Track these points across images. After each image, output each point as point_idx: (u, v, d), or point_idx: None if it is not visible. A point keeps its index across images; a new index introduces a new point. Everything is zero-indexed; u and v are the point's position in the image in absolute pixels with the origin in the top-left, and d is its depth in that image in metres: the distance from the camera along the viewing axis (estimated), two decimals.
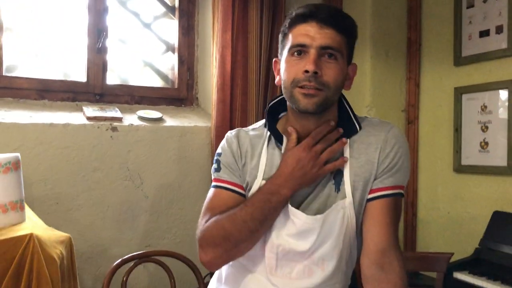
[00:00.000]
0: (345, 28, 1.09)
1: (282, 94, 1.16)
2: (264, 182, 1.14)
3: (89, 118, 2.21)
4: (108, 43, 2.43)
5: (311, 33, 1.06)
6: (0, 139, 1.99)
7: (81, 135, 2.15)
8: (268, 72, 2.48)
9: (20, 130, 2.03)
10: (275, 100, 1.22)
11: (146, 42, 2.59)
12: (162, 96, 2.59)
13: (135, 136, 2.26)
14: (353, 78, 1.18)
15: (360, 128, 1.14)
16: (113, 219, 2.22)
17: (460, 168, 2.40)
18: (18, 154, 1.34)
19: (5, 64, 2.23)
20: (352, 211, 1.11)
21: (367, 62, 2.59)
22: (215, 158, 1.23)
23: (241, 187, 1.18)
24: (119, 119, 2.28)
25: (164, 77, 2.65)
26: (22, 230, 1.20)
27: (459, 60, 2.43)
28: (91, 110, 2.27)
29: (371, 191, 1.12)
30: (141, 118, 2.35)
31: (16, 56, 2.28)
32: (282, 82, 1.12)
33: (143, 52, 2.58)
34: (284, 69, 1.10)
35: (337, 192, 1.13)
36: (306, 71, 1.04)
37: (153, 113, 2.40)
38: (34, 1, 2.30)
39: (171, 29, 2.64)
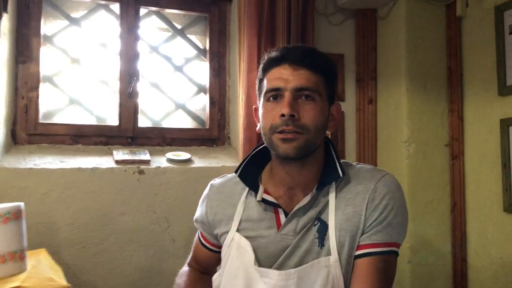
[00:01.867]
0: (320, 67, 1.03)
1: None
2: (237, 234, 1.07)
3: (117, 162, 2.25)
4: (140, 87, 2.48)
5: (285, 76, 1.02)
6: (30, 185, 2.05)
7: (108, 179, 2.18)
8: None
9: (49, 175, 2.09)
10: (261, 147, 1.16)
11: (178, 85, 2.63)
12: (194, 137, 2.60)
13: (161, 178, 2.26)
14: (339, 119, 1.10)
15: (344, 174, 1.04)
16: (140, 263, 2.20)
17: (510, 208, 2.17)
18: (20, 204, 1.36)
19: (42, 112, 2.33)
20: (338, 270, 1.00)
21: (404, 96, 2.46)
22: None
23: (209, 242, 1.21)
24: (147, 162, 2.29)
25: (196, 118, 2.66)
26: (11, 282, 1.19)
27: (504, 90, 2.23)
28: (121, 154, 2.31)
29: (358, 247, 1.01)
30: (170, 160, 2.35)
31: (52, 103, 2.38)
32: (261, 129, 1.07)
33: (175, 95, 2.61)
34: (262, 115, 1.06)
35: (321, 248, 1.02)
36: (282, 115, 0.99)
37: (183, 155, 2.40)
38: (70, 51, 2.41)
39: (202, 71, 2.67)
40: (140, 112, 2.49)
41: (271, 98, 1.04)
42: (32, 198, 2.05)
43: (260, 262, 1.05)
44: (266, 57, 1.08)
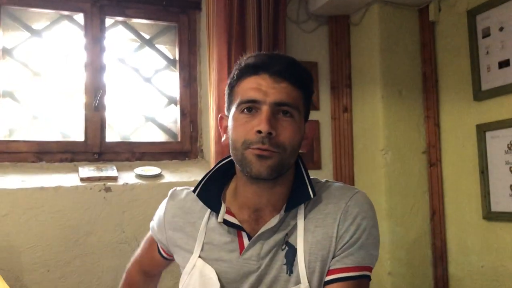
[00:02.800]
0: (301, 81, 0.95)
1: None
2: (200, 260, 0.98)
3: (82, 179, 2.14)
4: (107, 100, 2.39)
5: (264, 87, 0.92)
6: None
7: (73, 198, 2.07)
8: None
9: (10, 195, 1.98)
10: (225, 161, 1.07)
11: (147, 97, 2.53)
12: (165, 150, 2.50)
13: (129, 195, 2.16)
14: (312, 138, 1.03)
15: (315, 194, 0.96)
16: (108, 285, 2.09)
17: (490, 216, 2.12)
18: None
19: (2, 128, 2.22)
20: None
21: (379, 103, 2.41)
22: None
23: (164, 251, 1.16)
24: (114, 178, 2.19)
25: (167, 131, 2.56)
26: None
27: (479, 94, 2.20)
28: (87, 170, 2.20)
29: (329, 272, 0.93)
30: (138, 176, 2.25)
31: (13, 120, 2.26)
32: (230, 142, 0.96)
33: (145, 107, 2.52)
34: (233, 127, 0.95)
35: (289, 275, 0.94)
36: (259, 132, 0.89)
37: (152, 170, 2.30)
38: (32, 64, 2.30)
39: (172, 81, 2.58)
40: (107, 126, 2.39)
41: (245, 109, 0.93)
42: None
43: None
44: (242, 63, 0.98)
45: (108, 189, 2.13)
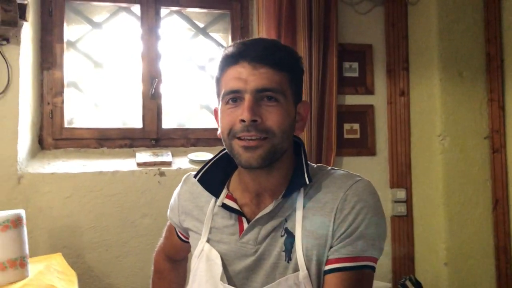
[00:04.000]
0: (283, 63, 0.93)
1: None
2: (207, 245, 1.01)
3: (138, 164, 2.25)
4: (163, 88, 2.48)
5: (244, 76, 0.91)
6: (54, 189, 2.09)
7: (129, 182, 2.18)
8: (322, 108, 2.33)
9: (72, 179, 2.12)
10: None
11: (201, 84, 2.59)
12: (218, 136, 2.55)
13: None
14: (307, 118, 1.00)
15: (310, 180, 0.94)
16: None
17: None
18: (20, 211, 1.37)
19: (67, 117, 2.37)
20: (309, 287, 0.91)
21: (436, 86, 2.29)
22: None
23: (181, 233, 1.19)
24: (169, 164, 2.27)
25: None
26: None
27: None
28: (143, 156, 2.31)
29: (328, 262, 0.91)
30: (191, 161, 2.33)
31: (77, 108, 2.42)
32: (221, 134, 0.98)
33: (199, 94, 2.58)
34: (220, 119, 0.96)
35: (288, 262, 0.93)
36: (243, 120, 0.89)
37: (205, 155, 2.37)
38: (93, 55, 2.43)
39: None
40: (164, 113, 2.49)
41: (230, 100, 0.94)
42: (55, 202, 2.09)
43: (228, 274, 0.98)
44: (223, 53, 0.98)
45: (162, 174, 2.22)
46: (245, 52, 0.93)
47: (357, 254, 0.90)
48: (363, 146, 2.51)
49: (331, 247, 0.91)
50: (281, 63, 0.93)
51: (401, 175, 2.51)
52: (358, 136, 2.51)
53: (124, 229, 2.16)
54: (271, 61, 0.92)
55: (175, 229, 1.20)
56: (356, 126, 2.51)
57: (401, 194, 2.50)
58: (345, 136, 2.49)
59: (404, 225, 2.49)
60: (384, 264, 2.50)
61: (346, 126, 2.50)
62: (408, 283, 2.05)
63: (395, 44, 2.53)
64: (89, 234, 2.12)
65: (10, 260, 1.30)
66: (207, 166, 1.04)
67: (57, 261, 1.68)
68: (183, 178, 1.17)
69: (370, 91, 2.53)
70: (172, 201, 1.19)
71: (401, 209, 2.50)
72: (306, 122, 1.00)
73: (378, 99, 2.54)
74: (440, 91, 2.27)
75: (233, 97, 0.93)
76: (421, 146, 2.42)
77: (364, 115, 2.52)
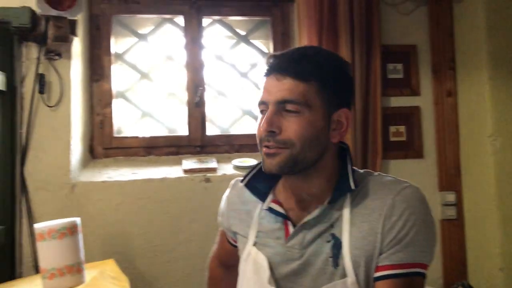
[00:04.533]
0: (309, 73, 0.93)
1: None
2: (254, 248, 1.02)
3: (185, 171, 2.29)
4: (207, 96, 2.52)
5: (269, 87, 0.95)
6: (105, 197, 2.17)
7: (177, 188, 2.23)
8: (366, 111, 2.30)
9: (122, 187, 2.19)
10: None
11: (244, 91, 2.62)
12: None
13: (227, 185, 2.25)
14: (347, 125, 0.98)
15: (356, 186, 0.94)
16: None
17: None
18: (75, 219, 1.43)
19: (116, 126, 2.46)
20: None
21: (485, 85, 2.22)
22: None
23: (232, 238, 1.20)
24: (214, 170, 2.31)
25: None
26: None
27: None
28: (189, 163, 2.35)
29: (377, 269, 0.90)
30: (235, 167, 2.35)
31: (125, 117, 2.50)
32: None
33: (242, 101, 2.61)
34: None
35: (335, 268, 0.93)
36: (264, 131, 0.94)
37: (249, 161, 2.39)
38: (140, 66, 2.51)
39: None
40: (208, 121, 2.53)
41: (262, 111, 0.99)
42: (106, 210, 2.16)
43: (275, 277, 0.99)
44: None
45: (208, 180, 2.26)
46: (274, 63, 0.96)
47: (407, 261, 0.88)
48: (410, 149, 2.46)
49: (380, 254, 0.90)
50: (305, 73, 0.93)
51: (450, 178, 2.44)
52: (404, 138, 2.46)
53: (173, 234, 2.21)
54: (294, 72, 0.93)
55: (226, 234, 1.22)
56: (402, 128, 2.46)
57: (451, 197, 2.42)
58: (391, 139, 2.45)
59: (454, 229, 2.42)
60: (434, 270, 2.43)
61: (392, 128, 2.45)
62: None
63: (441, 44, 2.47)
64: (139, 240, 2.18)
65: (67, 266, 1.35)
66: (253, 171, 1.06)
67: (110, 267, 1.74)
68: (231, 183, 1.20)
69: (415, 92, 2.48)
70: (221, 206, 1.22)
71: (451, 212, 2.42)
72: (346, 129, 0.98)
73: (424, 100, 2.49)
74: (490, 90, 2.20)
75: (262, 108, 0.98)
76: (470, 147, 2.35)
77: (410, 117, 2.47)
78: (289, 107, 0.93)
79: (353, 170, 0.99)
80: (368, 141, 2.31)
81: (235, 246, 1.20)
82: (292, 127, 0.92)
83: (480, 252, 2.31)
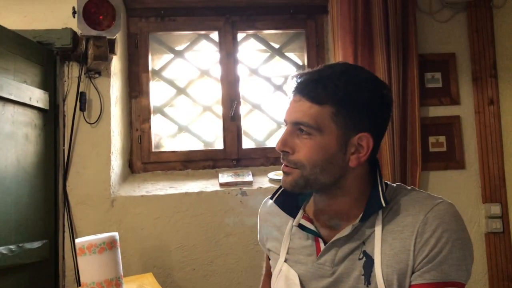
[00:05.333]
0: (324, 96, 0.91)
1: None
2: (285, 265, 1.01)
3: (221, 185, 2.31)
4: (242, 109, 2.54)
5: (289, 107, 0.96)
6: (144, 210, 2.21)
7: (213, 202, 2.24)
8: (404, 119, 2.25)
9: (160, 200, 2.22)
10: None
11: (278, 104, 2.63)
12: None
13: (263, 198, 2.24)
14: (367, 151, 0.94)
15: (386, 203, 0.92)
16: (248, 284, 2.22)
17: None
18: (114, 234, 1.45)
19: (154, 141, 2.51)
20: None
21: None
22: None
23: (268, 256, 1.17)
24: (250, 183, 2.31)
25: None
26: None
27: None
28: (226, 176, 2.37)
29: (411, 287, 0.87)
30: (271, 180, 2.35)
31: (163, 132, 2.55)
32: None
33: (277, 114, 2.61)
34: None
35: (367, 286, 0.90)
36: None
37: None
38: (177, 81, 2.56)
39: None
40: (243, 134, 2.54)
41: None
42: (145, 223, 2.20)
43: None
44: None
45: (244, 193, 2.27)
46: (294, 84, 0.96)
47: (442, 280, 0.86)
48: (451, 160, 2.38)
49: (413, 272, 0.88)
50: (320, 97, 0.91)
51: (494, 189, 2.35)
52: (444, 149, 2.39)
53: (210, 248, 2.22)
54: (309, 95, 0.92)
55: (267, 256, 1.21)
56: (442, 138, 2.40)
57: (496, 209, 2.33)
58: (431, 149, 2.39)
59: (500, 242, 2.32)
60: (480, 285, 2.33)
61: (431, 139, 2.39)
62: None
63: (481, 51, 2.40)
64: (177, 253, 2.20)
65: (106, 281, 1.38)
66: (282, 189, 1.05)
67: (149, 280, 1.77)
68: (263, 202, 1.20)
69: (455, 101, 2.41)
70: (258, 229, 1.21)
71: (497, 225, 2.33)
72: (366, 154, 0.94)
73: (464, 110, 2.42)
74: None
75: (286, 126, 0.98)
76: None
77: (450, 126, 2.40)
78: (301, 128, 0.93)
79: (386, 185, 0.97)
80: (407, 152, 2.26)
81: None
82: (303, 150, 0.93)
83: None
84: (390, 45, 2.26)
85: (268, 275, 1.22)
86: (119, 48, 2.31)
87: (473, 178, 2.38)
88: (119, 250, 1.46)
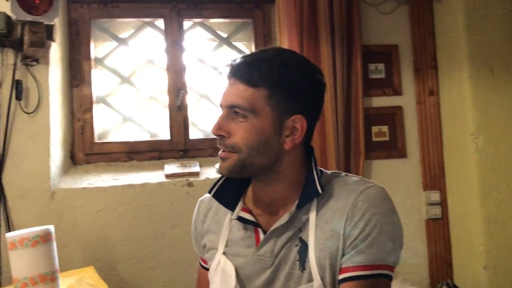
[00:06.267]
0: (258, 79, 0.91)
1: None
2: (223, 257, 0.99)
3: (167, 176, 2.27)
4: (190, 99, 2.50)
5: (224, 91, 0.95)
6: (86, 203, 2.14)
7: (158, 194, 2.21)
8: (348, 110, 2.29)
9: (103, 193, 2.16)
10: None
11: None
12: None
13: None
14: (302, 133, 0.94)
15: (322, 189, 0.92)
16: (194, 275, 2.19)
17: None
18: (49, 227, 1.40)
19: (97, 132, 2.43)
20: None
21: (467, 84, 2.22)
22: None
23: (205, 261, 1.11)
24: (197, 174, 2.29)
25: None
26: None
27: None
28: (172, 167, 2.33)
29: (341, 271, 0.88)
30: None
31: (107, 122, 2.47)
32: None
33: None
34: None
35: (302, 271, 0.91)
36: None
37: None
38: (121, 70, 2.49)
39: None
40: (190, 124, 2.51)
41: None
42: (87, 216, 2.13)
43: (243, 287, 0.97)
44: None
45: (190, 184, 2.24)
46: (230, 67, 0.95)
47: (370, 262, 0.86)
48: (393, 149, 2.45)
49: (343, 255, 0.88)
50: (254, 79, 0.91)
51: (434, 177, 2.44)
52: (387, 138, 2.46)
53: (155, 240, 2.18)
54: (243, 77, 0.92)
55: (200, 262, 1.18)
56: (384, 128, 2.46)
57: (435, 196, 2.42)
58: (374, 139, 2.44)
59: (439, 228, 2.42)
60: (420, 270, 2.42)
61: (375, 129, 2.45)
62: None
63: (422, 43, 2.47)
64: (121, 246, 2.15)
65: (41, 275, 1.33)
66: (221, 180, 1.03)
67: (89, 274, 1.71)
68: (197, 202, 1.17)
69: (397, 92, 2.48)
70: (191, 234, 1.17)
71: (436, 211, 2.42)
72: (300, 136, 0.94)
73: (406, 100, 2.49)
74: (471, 88, 2.20)
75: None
76: (454, 146, 2.35)
77: (392, 116, 2.47)
78: (236, 111, 0.92)
79: (321, 172, 0.98)
80: (351, 142, 2.30)
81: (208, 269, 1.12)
82: (239, 133, 0.92)
83: (464, 251, 2.30)
84: (335, 36, 2.29)
85: (202, 284, 1.17)
86: (58, 34, 2.21)
87: (414, 167, 2.46)
88: (54, 243, 1.41)
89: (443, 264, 2.40)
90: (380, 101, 2.47)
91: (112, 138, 2.46)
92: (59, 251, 1.55)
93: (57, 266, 1.40)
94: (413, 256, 2.39)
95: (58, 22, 2.17)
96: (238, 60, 0.94)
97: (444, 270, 2.39)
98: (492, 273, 2.13)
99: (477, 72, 2.21)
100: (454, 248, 2.38)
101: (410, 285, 2.28)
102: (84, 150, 2.38)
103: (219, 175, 1.02)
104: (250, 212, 1.00)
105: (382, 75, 2.48)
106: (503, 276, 2.14)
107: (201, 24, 2.59)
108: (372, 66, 2.47)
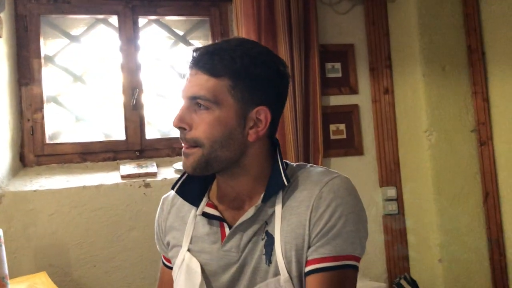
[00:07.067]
0: (221, 68, 0.88)
1: None
2: (188, 254, 0.97)
3: (122, 177, 2.20)
4: (145, 98, 2.44)
5: (186, 82, 0.91)
6: (37, 207, 2.04)
7: (114, 195, 2.14)
8: (307, 108, 2.30)
9: (56, 195, 2.07)
10: None
11: None
12: None
13: (168, 190, 2.19)
14: (266, 124, 0.92)
15: (288, 181, 0.91)
16: (152, 278, 2.14)
17: None
18: None
19: (49, 132, 2.33)
20: None
21: (420, 82, 2.28)
22: None
23: (169, 261, 1.06)
24: (154, 175, 2.24)
25: None
26: None
27: None
28: (128, 168, 2.26)
29: (307, 263, 0.87)
30: (177, 171, 2.29)
31: (59, 123, 2.37)
32: None
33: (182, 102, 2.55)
34: None
35: (268, 265, 0.89)
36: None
37: None
38: (73, 69, 2.39)
39: None
40: (147, 124, 2.45)
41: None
42: (39, 220, 2.04)
43: (212, 286, 0.94)
44: None
45: (147, 185, 2.18)
46: (192, 58, 0.91)
47: (336, 253, 0.86)
48: (350, 146, 2.49)
49: (309, 247, 0.87)
50: (216, 69, 0.88)
51: (390, 173, 2.49)
52: (344, 136, 2.49)
53: (111, 243, 2.11)
54: (205, 67, 0.88)
55: (163, 261, 1.13)
56: (342, 126, 2.49)
57: (392, 192, 2.47)
58: (332, 137, 2.47)
59: (396, 223, 2.47)
60: (379, 265, 2.47)
61: (332, 127, 2.48)
62: (403, 282, 2.02)
63: (377, 43, 2.52)
64: (75, 250, 2.07)
65: None
66: (184, 176, 1.00)
67: (41, 280, 1.64)
68: (161, 200, 1.13)
69: (354, 91, 2.51)
70: (155, 233, 1.13)
71: (393, 207, 2.47)
72: (264, 128, 0.92)
73: (362, 99, 2.53)
74: (424, 86, 2.26)
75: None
76: (408, 143, 2.40)
77: (349, 115, 2.51)
78: (198, 102, 0.89)
79: (286, 165, 0.97)
80: (310, 140, 2.31)
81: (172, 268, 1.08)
82: (201, 125, 0.88)
83: (420, 245, 2.36)
84: (293, 35, 2.29)
85: (164, 284, 1.13)
86: (5, 30, 2.11)
87: (370, 164, 2.50)
88: (3, 248, 1.33)
89: (400, 259, 2.45)
90: (337, 100, 2.50)
91: (64, 138, 2.37)
92: (9, 256, 1.47)
93: (6, 271, 1.32)
94: (371, 251, 2.44)
95: (4, 17, 2.07)
96: (200, 50, 0.91)
97: (401, 265, 2.44)
98: (447, 266, 2.20)
99: (430, 70, 2.27)
100: (411, 243, 2.44)
101: (369, 280, 2.32)
102: (35, 152, 2.27)
103: (178, 176, 0.98)
104: (215, 207, 0.97)
105: (339, 74, 2.51)
106: (457, 268, 2.21)
107: (156, 21, 2.54)
108: (329, 65, 2.50)
